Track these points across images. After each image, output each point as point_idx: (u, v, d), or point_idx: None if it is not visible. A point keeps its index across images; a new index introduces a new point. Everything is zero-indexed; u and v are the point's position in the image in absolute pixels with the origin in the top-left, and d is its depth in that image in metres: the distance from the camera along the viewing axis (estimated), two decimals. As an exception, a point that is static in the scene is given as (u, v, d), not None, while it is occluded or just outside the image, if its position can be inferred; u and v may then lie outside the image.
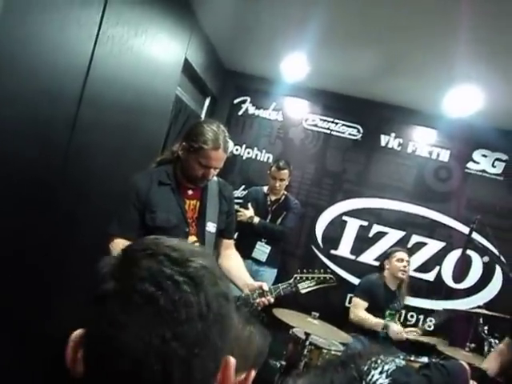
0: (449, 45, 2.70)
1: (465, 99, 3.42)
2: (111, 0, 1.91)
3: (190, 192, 1.90)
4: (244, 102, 4.40)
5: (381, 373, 0.62)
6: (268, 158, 4.32)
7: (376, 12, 2.56)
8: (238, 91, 4.42)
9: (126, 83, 2.32)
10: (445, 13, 2.35)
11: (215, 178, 1.96)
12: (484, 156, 4.12)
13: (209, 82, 3.90)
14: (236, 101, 4.41)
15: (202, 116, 4.24)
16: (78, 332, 0.55)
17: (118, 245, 1.70)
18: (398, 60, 3.21)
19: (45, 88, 1.66)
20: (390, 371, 0.62)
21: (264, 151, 4.34)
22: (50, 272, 1.95)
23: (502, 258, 3.81)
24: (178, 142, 1.94)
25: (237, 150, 4.37)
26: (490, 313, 2.92)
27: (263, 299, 1.90)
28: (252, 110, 4.38)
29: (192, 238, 1.87)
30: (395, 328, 3.20)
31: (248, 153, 4.37)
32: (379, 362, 0.63)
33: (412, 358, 2.79)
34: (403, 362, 0.66)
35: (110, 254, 1.70)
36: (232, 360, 0.57)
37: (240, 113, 4.40)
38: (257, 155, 4.36)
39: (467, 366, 1.53)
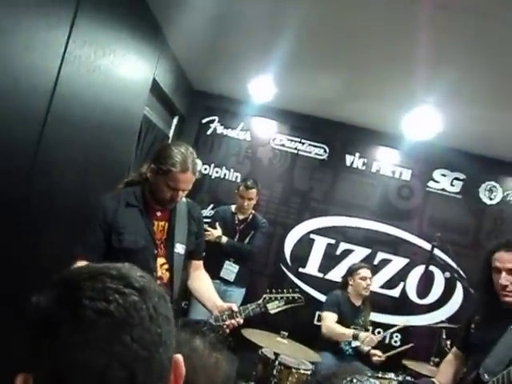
0: (409, 69, 2.84)
1: (424, 121, 3.58)
2: (78, 21, 1.91)
3: (159, 213, 1.89)
4: (212, 121, 4.44)
5: None
6: (236, 177, 4.35)
7: (340, 37, 2.68)
8: (207, 111, 4.45)
9: (93, 102, 2.30)
10: (405, 38, 2.48)
11: (184, 199, 1.95)
12: (443, 175, 4.31)
13: (177, 101, 3.92)
14: (204, 120, 4.44)
15: (170, 135, 4.23)
16: (21, 376, 0.54)
17: None
18: (361, 83, 3.34)
19: (9, 106, 1.62)
20: None
21: (232, 170, 4.37)
22: (12, 291, 1.87)
23: (461, 273, 3.97)
24: (146, 163, 1.94)
25: (205, 169, 4.38)
26: (452, 325, 3.01)
27: (233, 321, 1.89)
28: (220, 129, 4.42)
29: (161, 260, 1.85)
30: (363, 335, 3.21)
31: (216, 172, 4.38)
32: (354, 381, 0.65)
33: (379, 375, 2.83)
34: (377, 382, 0.68)
35: None
36: (180, 357, 0.61)
37: (208, 132, 4.43)
38: (225, 174, 4.38)
39: None
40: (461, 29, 2.26)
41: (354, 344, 3.26)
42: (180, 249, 1.89)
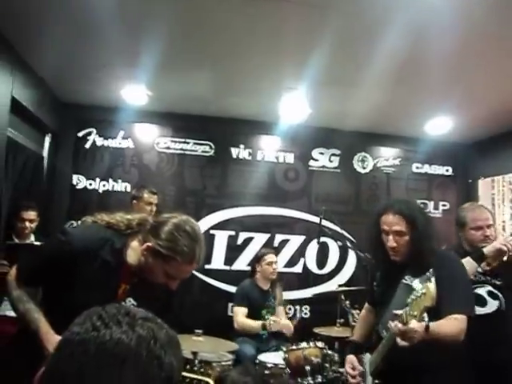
0: (276, 60, 3.06)
1: (295, 106, 3.85)
2: None
3: (132, 277, 1.54)
4: (90, 134, 4.23)
5: None
6: (125, 187, 4.22)
7: (207, 35, 2.76)
8: (82, 124, 4.24)
9: None
10: (270, 33, 2.70)
11: None
12: (321, 153, 4.68)
13: (45, 118, 3.67)
14: (80, 134, 4.22)
15: (45, 155, 3.94)
16: None
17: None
18: (233, 77, 3.47)
19: None
20: None
21: (120, 181, 4.23)
22: None
23: (351, 238, 4.38)
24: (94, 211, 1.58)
25: (90, 184, 4.17)
26: (350, 288, 3.33)
27: None
28: (100, 141, 4.23)
29: None
30: (269, 321, 3.42)
31: (103, 185, 4.20)
32: None
33: (294, 347, 3.02)
34: None
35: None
36: None
37: (87, 146, 4.22)
38: (113, 186, 4.22)
39: None
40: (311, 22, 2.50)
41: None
42: (129, 304, 1.52)
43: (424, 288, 1.46)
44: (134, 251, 1.50)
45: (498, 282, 2.19)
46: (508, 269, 2.14)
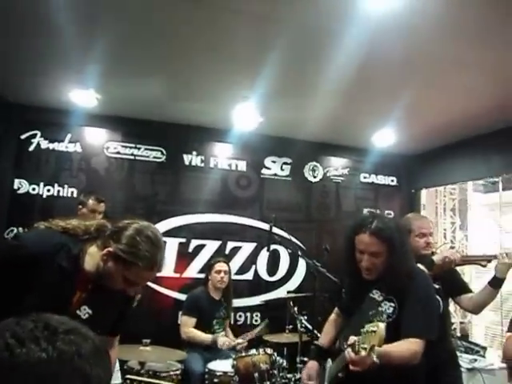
0: (230, 69, 3.08)
1: (249, 115, 3.90)
2: None
3: (88, 285, 1.49)
4: (34, 136, 4.04)
5: None
6: (72, 192, 4.06)
7: (161, 40, 2.74)
8: (26, 125, 4.04)
9: None
10: (224, 42, 2.72)
11: None
12: (273, 162, 4.76)
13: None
14: (24, 136, 4.02)
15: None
16: None
17: None
18: (187, 84, 3.47)
19: None
20: None
21: (66, 186, 4.07)
22: None
23: (301, 245, 4.47)
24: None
25: (34, 189, 3.98)
26: (295, 295, 3.40)
27: None
28: (45, 144, 4.05)
29: None
30: (222, 340, 3.41)
31: (48, 190, 4.02)
32: None
33: (243, 354, 3.03)
34: None
35: None
36: None
37: (31, 148, 4.02)
38: (59, 191, 4.05)
39: None
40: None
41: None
42: (84, 312, 1.49)
43: (375, 326, 1.45)
44: (92, 257, 1.47)
45: (436, 286, 2.32)
46: (446, 274, 2.31)
